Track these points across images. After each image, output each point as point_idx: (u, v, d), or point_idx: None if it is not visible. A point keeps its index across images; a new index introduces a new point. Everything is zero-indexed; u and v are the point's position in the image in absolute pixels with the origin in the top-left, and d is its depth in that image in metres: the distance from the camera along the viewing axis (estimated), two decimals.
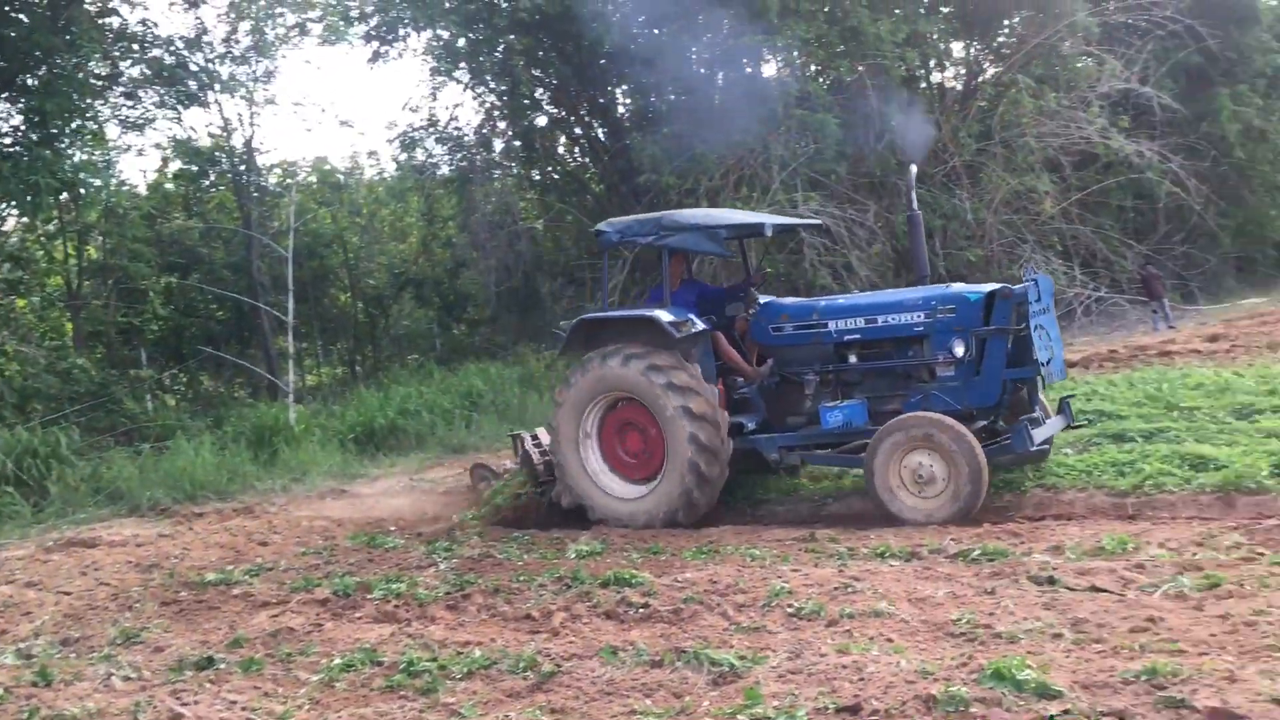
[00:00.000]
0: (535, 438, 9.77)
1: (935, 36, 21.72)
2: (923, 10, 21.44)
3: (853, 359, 8.75)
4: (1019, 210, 20.99)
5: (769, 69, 20.15)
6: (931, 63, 22.96)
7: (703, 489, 8.33)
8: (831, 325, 8.74)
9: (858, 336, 8.69)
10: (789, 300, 9.45)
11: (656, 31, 18.37)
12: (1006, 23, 23.32)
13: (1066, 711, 4.03)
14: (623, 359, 8.54)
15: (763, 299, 9.25)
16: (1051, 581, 5.71)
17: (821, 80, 19.98)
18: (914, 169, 9.92)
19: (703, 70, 19.37)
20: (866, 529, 7.54)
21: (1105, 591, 5.47)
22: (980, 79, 23.35)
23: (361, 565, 7.95)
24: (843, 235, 17.52)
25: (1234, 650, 4.50)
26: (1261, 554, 5.84)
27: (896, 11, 20.11)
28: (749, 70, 19.38)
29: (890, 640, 5.08)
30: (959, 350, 8.20)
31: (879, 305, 8.77)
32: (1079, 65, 23.22)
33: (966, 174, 20.50)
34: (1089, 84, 22.15)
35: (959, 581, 5.93)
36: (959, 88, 23.52)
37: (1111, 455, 8.47)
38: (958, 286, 8.81)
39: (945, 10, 22.36)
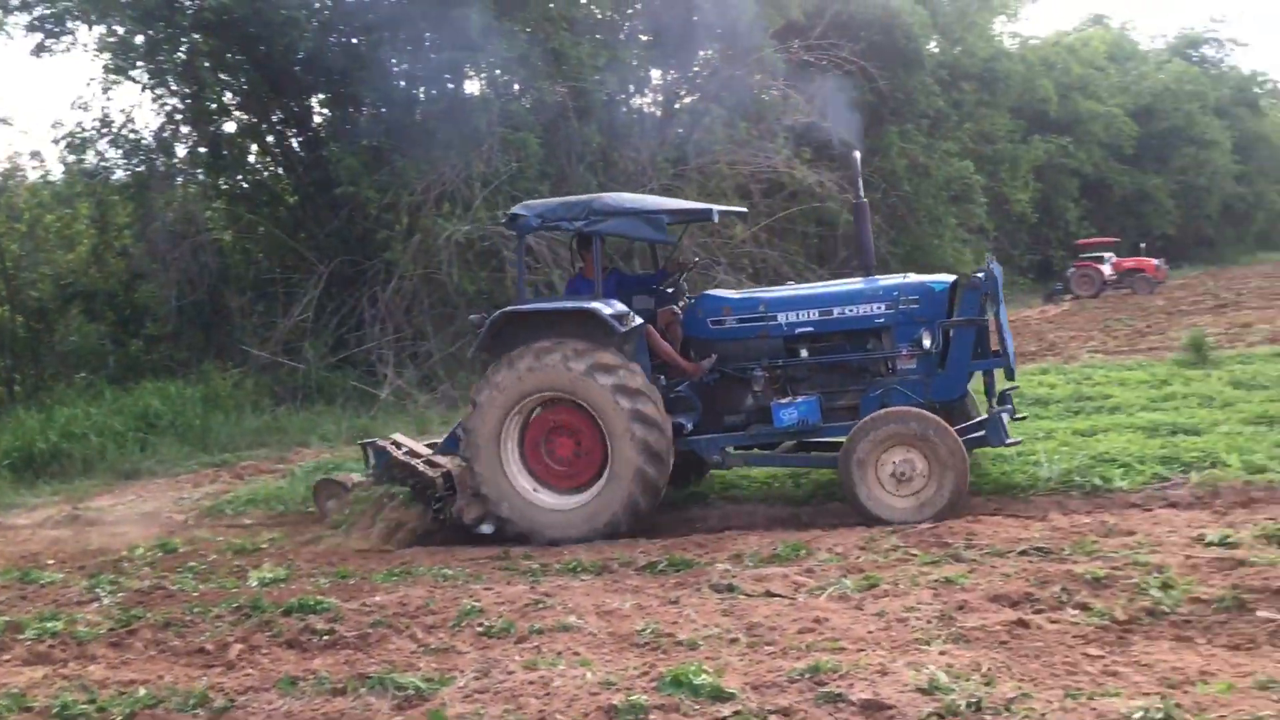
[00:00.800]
0: (398, 444, 9.05)
1: (634, 63, 22.37)
2: (622, 36, 22.09)
3: (804, 353, 8.35)
4: (713, 234, 21.92)
5: (472, 86, 20.12)
6: (631, 88, 23.65)
7: (649, 496, 7.77)
8: (781, 318, 8.34)
9: (811, 329, 8.33)
10: (730, 292, 9.05)
11: (355, 41, 17.90)
12: (701, 54, 24.42)
13: (738, 712, 4.18)
14: (563, 357, 7.81)
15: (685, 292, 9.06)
16: (731, 589, 5.95)
17: (524, 100, 20.13)
18: (858, 155, 9.47)
19: (404, 84, 19.05)
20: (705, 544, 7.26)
21: (778, 596, 5.75)
22: (677, 106, 24.36)
23: (12, 603, 7.17)
24: (545, 254, 17.67)
25: (887, 645, 4.83)
26: (914, 555, 6.33)
27: (598, 36, 20.58)
28: (451, 86, 19.24)
29: (578, 654, 5.11)
30: (926, 342, 7.97)
31: (835, 297, 8.44)
32: (767, 98, 24.65)
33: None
34: (776, 116, 23.52)
35: (646, 593, 6.07)
36: (657, 113, 24.39)
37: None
38: (914, 277, 8.53)
39: (644, 38, 23.11)
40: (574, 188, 19.73)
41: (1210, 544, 5.94)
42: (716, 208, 9.04)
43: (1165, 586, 5.20)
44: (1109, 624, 4.92)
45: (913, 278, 8.49)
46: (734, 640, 5.10)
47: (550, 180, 19.24)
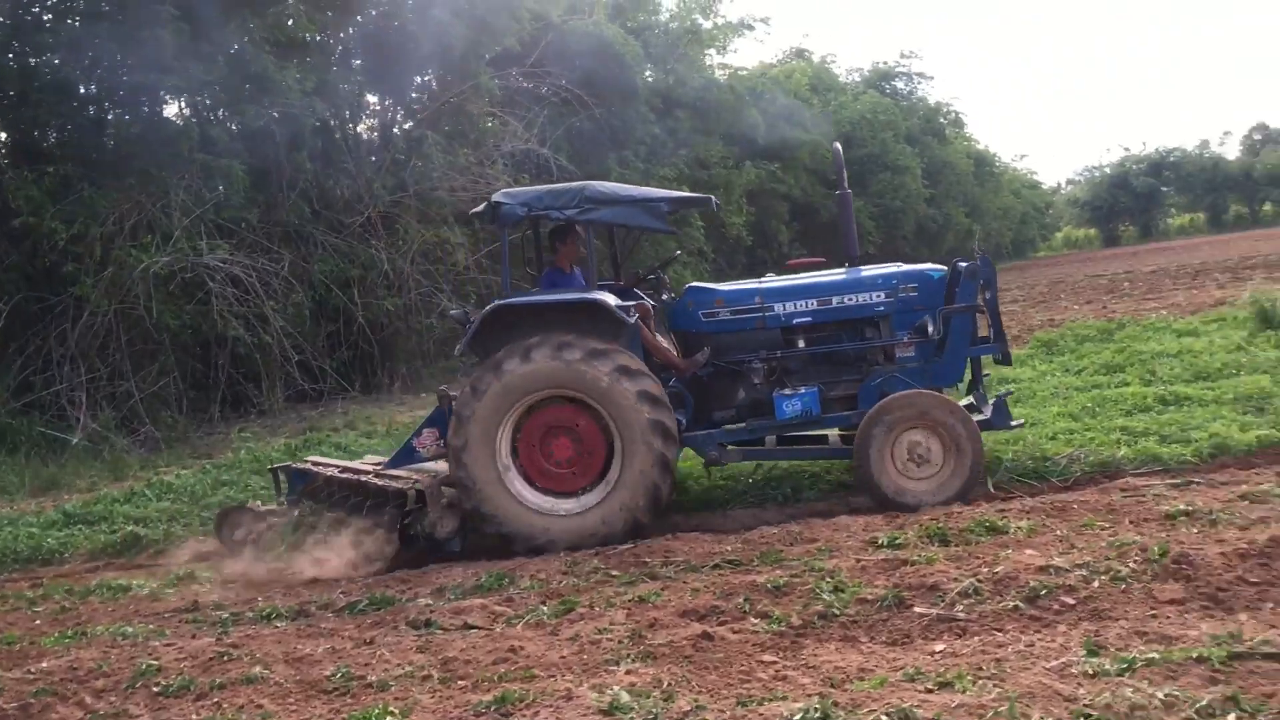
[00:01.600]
0: (318, 464, 8.56)
1: (347, 88, 21.88)
2: (334, 63, 21.55)
3: (802, 343, 8.28)
4: (435, 261, 21.68)
5: (171, 109, 19.09)
6: (347, 113, 23.10)
7: (653, 509, 7.60)
8: (779, 308, 8.26)
9: (809, 319, 8.26)
10: (720, 285, 8.91)
11: (34, 62, 16.58)
12: (418, 79, 24.19)
13: None
14: (585, 355, 7.50)
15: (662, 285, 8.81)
16: (428, 624, 5.86)
17: (229, 125, 19.26)
18: (839, 147, 9.37)
19: (93, 108, 17.83)
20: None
21: (476, 628, 5.72)
22: (395, 131, 23.99)
23: None
24: (255, 285, 16.94)
25: (578, 669, 4.89)
26: (614, 576, 6.46)
27: (307, 60, 19.98)
28: (147, 110, 18.16)
29: (260, 706, 4.89)
30: (930, 329, 8.00)
31: (834, 286, 8.36)
32: (486, 125, 24.69)
33: (383, 224, 20.82)
34: (494, 143, 23.59)
35: (341, 635, 5.89)
36: (375, 140, 23.94)
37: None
38: (909, 266, 8.60)
39: (357, 63, 22.65)
40: (285, 215, 19.06)
41: (880, 546, 6.37)
42: (713, 197, 8.93)
43: (836, 590, 5.53)
44: (785, 630, 5.17)
45: (908, 266, 8.59)
46: (426, 677, 5.02)
47: (260, 208, 18.51)
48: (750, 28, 37.97)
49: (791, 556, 6.40)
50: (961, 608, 5.13)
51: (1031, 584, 5.21)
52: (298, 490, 8.38)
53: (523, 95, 25.56)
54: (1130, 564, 5.33)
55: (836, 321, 8.35)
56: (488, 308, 7.83)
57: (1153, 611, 4.85)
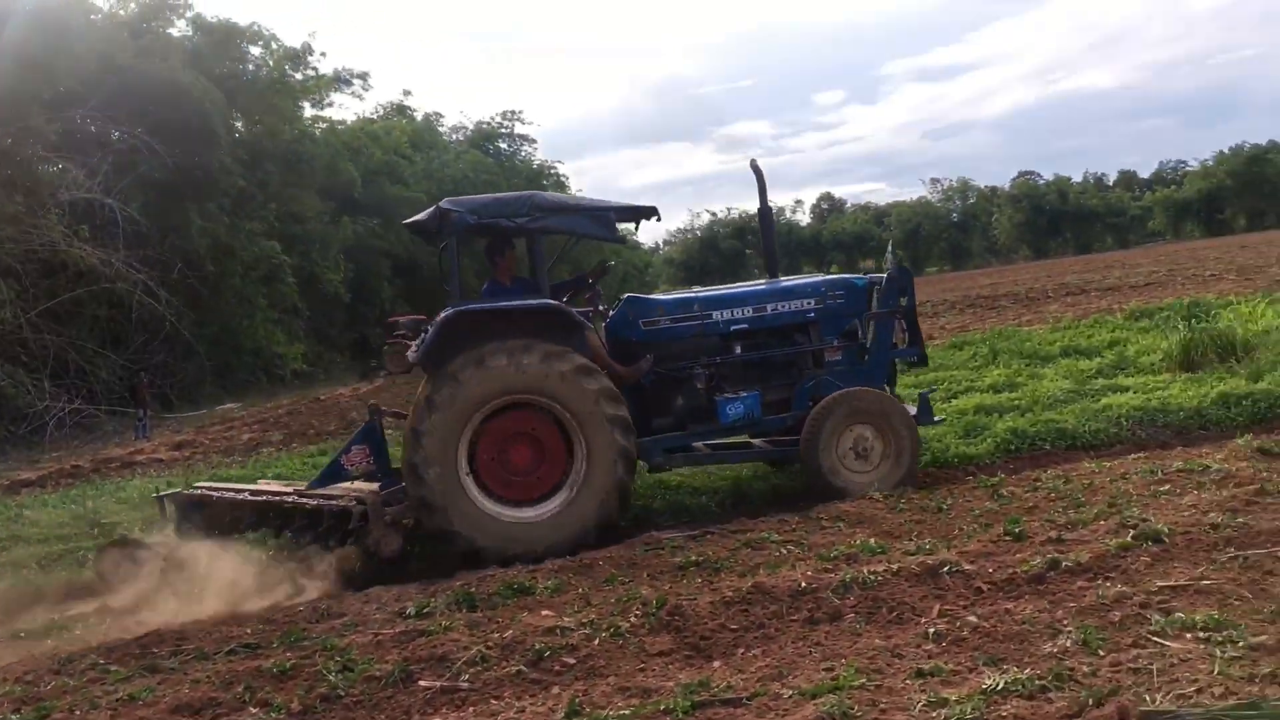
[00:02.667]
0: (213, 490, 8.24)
1: None
2: None
3: (739, 349, 8.46)
4: None
5: None
6: None
7: (623, 505, 7.74)
8: (717, 315, 8.42)
9: (745, 326, 8.48)
10: (657, 295, 8.94)
11: None
12: None
13: None
14: (543, 357, 7.47)
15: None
16: None
17: None
18: (758, 162, 9.28)
19: None
20: None
21: None
22: None
23: None
24: None
25: None
26: (111, 670, 5.88)
27: None
28: None
29: None
30: (860, 333, 8.52)
31: (768, 294, 8.58)
32: (41, 171, 22.54)
33: None
34: (50, 191, 21.57)
35: None
36: None
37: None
38: (831, 275, 8.98)
39: None
40: None
41: (406, 616, 6.24)
42: (656, 208, 8.45)
43: (345, 669, 5.30)
44: (284, 718, 4.90)
45: (834, 275, 8.95)
46: None
47: None
48: (348, 82, 37.48)
49: (313, 634, 6.12)
50: (467, 677, 5.08)
51: (537, 646, 5.25)
52: (187, 520, 7.96)
53: (86, 140, 23.59)
54: (631, 618, 5.51)
55: (771, 328, 8.63)
56: (444, 314, 7.62)
57: (641, 665, 5.03)
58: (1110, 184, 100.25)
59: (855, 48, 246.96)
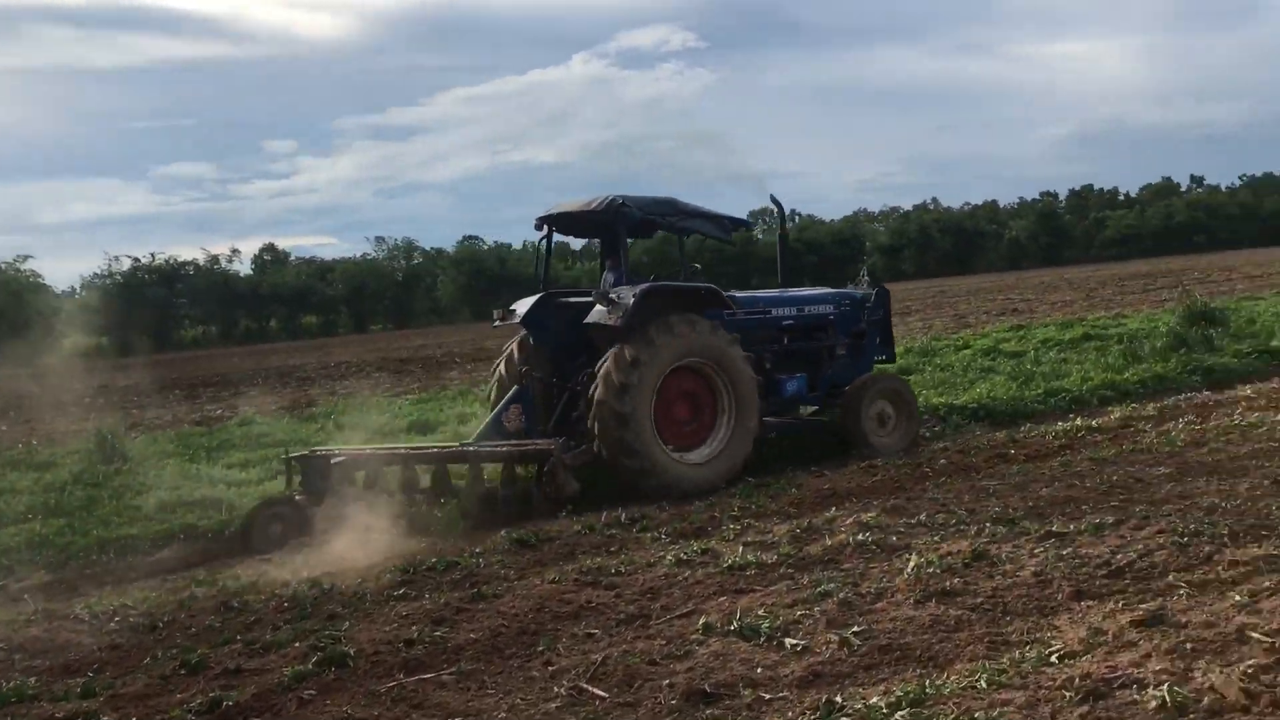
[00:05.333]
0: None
1: None
2: None
3: (786, 340, 10.87)
4: None
5: None
6: None
7: (758, 437, 9.93)
8: (775, 312, 10.84)
9: (792, 322, 10.96)
10: (734, 292, 10.59)
11: None
12: None
13: None
14: (710, 328, 9.53)
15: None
16: None
17: None
18: (777, 197, 12.06)
19: None
20: None
21: None
22: None
23: None
24: None
25: None
26: None
27: None
28: None
29: None
30: (863, 335, 11.28)
31: (804, 298, 11.21)
32: None
33: None
34: None
35: None
36: None
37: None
38: (836, 289, 11.78)
39: None
40: None
41: None
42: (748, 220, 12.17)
43: None
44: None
45: (838, 289, 11.65)
46: None
47: None
48: None
49: None
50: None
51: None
52: (314, 480, 9.13)
53: None
54: None
55: (808, 325, 11.05)
56: (642, 288, 9.36)
57: None
58: None
59: (310, 98, 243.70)
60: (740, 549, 7.17)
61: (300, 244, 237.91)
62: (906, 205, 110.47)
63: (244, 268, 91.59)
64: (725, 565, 6.80)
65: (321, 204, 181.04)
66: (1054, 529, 6.89)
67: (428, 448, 9.77)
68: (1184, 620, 5.00)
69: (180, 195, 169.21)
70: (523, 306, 10.33)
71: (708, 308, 9.87)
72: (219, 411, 20.34)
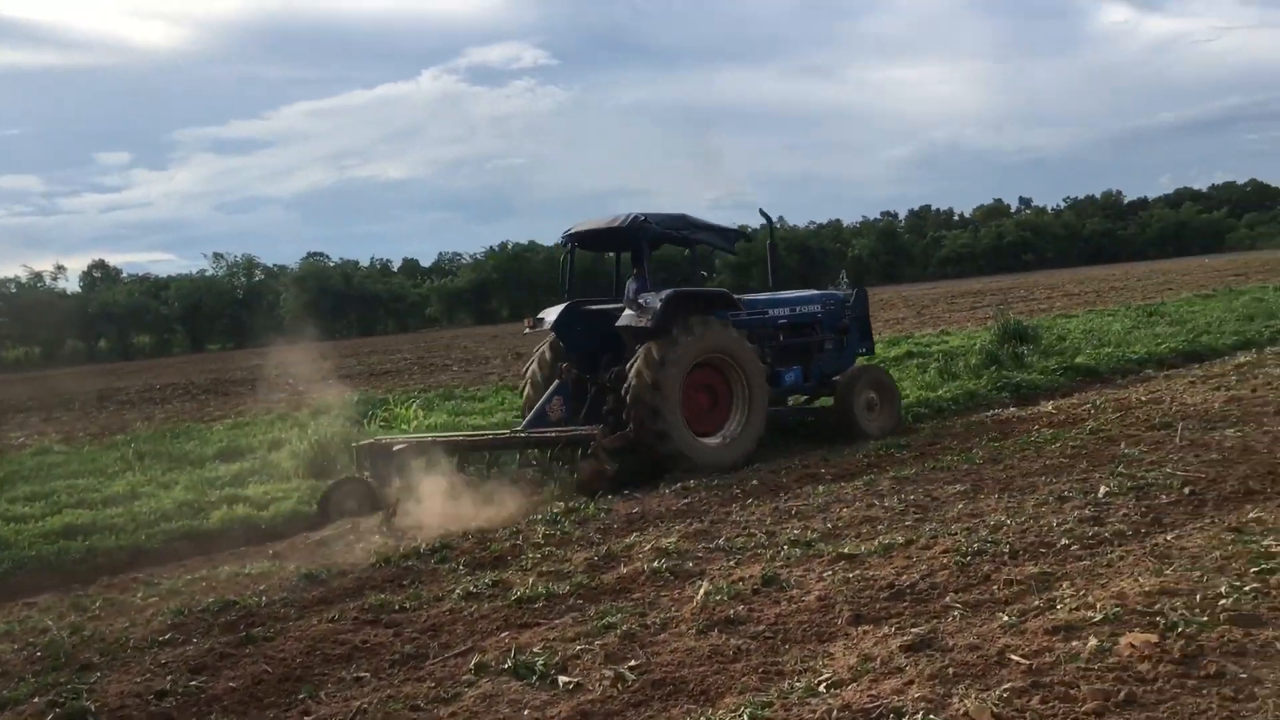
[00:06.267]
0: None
1: None
2: None
3: (782, 337, 12.14)
4: None
5: None
6: None
7: (767, 422, 11.35)
8: (772, 312, 12.12)
9: (786, 321, 12.26)
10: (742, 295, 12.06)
11: None
12: None
13: None
14: (722, 326, 10.96)
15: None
16: None
17: None
18: (766, 212, 12.93)
19: None
20: None
21: None
22: None
23: None
24: None
25: None
26: None
27: None
28: None
29: None
30: (848, 331, 12.76)
31: (795, 299, 12.51)
32: None
33: None
34: None
35: None
36: None
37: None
38: (818, 290, 13.22)
39: None
40: None
41: None
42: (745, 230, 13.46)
43: None
44: None
45: (826, 291, 13.15)
46: None
47: None
48: None
49: None
50: None
51: None
52: (376, 464, 10.24)
53: None
54: None
55: (799, 323, 12.28)
56: (666, 294, 10.69)
57: None
58: (395, 270, 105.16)
59: (146, 109, 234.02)
60: (532, 580, 6.96)
61: (133, 260, 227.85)
62: (755, 225, 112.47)
63: (71, 285, 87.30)
64: (514, 598, 6.59)
65: (157, 219, 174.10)
66: (846, 550, 6.90)
67: (483, 434, 11.17)
68: (951, 643, 5.01)
69: (2, 209, 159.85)
70: (551, 315, 11.45)
71: (719, 309, 11.21)
72: (20, 439, 19.09)
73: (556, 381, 11.11)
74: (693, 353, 10.57)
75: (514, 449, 10.65)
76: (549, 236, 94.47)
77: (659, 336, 10.49)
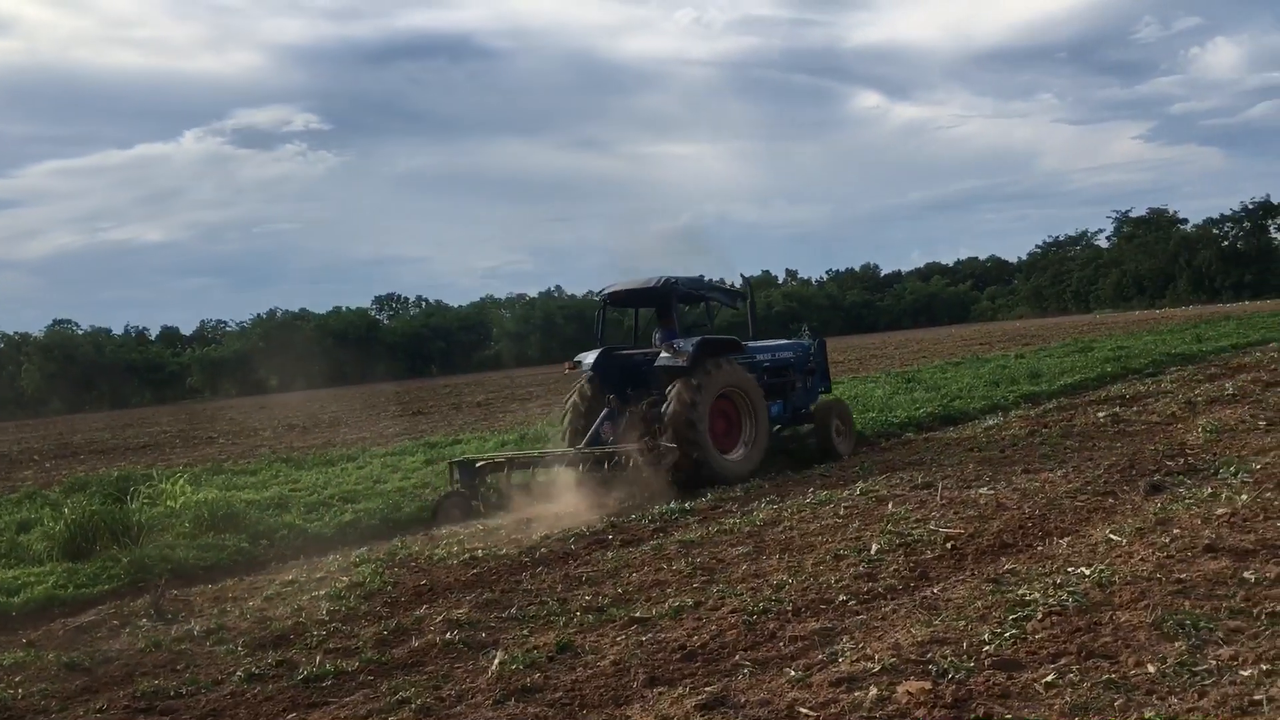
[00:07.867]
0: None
1: None
2: None
3: (765, 377, 14.64)
4: None
5: None
6: None
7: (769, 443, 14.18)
8: (759, 356, 14.73)
9: (769, 364, 14.93)
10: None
11: None
12: None
13: None
14: (736, 365, 13.75)
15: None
16: None
17: None
18: (746, 274, 15.83)
19: None
20: None
21: None
22: None
23: None
24: None
25: None
26: None
27: None
28: None
29: None
30: (813, 373, 15.77)
31: (775, 347, 15.43)
32: None
33: None
34: None
35: None
36: None
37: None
38: (790, 340, 16.19)
39: None
40: None
41: None
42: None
43: None
44: None
45: (795, 340, 16.09)
46: None
47: None
48: None
49: None
50: None
51: None
52: (466, 477, 13.10)
53: None
54: None
55: (778, 366, 15.16)
56: (696, 340, 13.44)
57: None
58: (152, 338, 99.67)
59: None
60: (319, 658, 6.73)
61: None
62: (532, 292, 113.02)
63: None
64: (300, 677, 6.35)
65: None
66: (638, 614, 7.02)
67: (551, 451, 13.48)
68: (743, 700, 5.18)
69: None
70: (588, 358, 14.02)
71: (730, 353, 13.77)
72: None
73: (605, 409, 13.65)
74: (717, 386, 13.19)
75: (576, 465, 12.79)
76: (321, 304, 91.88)
77: (692, 373, 13.10)
